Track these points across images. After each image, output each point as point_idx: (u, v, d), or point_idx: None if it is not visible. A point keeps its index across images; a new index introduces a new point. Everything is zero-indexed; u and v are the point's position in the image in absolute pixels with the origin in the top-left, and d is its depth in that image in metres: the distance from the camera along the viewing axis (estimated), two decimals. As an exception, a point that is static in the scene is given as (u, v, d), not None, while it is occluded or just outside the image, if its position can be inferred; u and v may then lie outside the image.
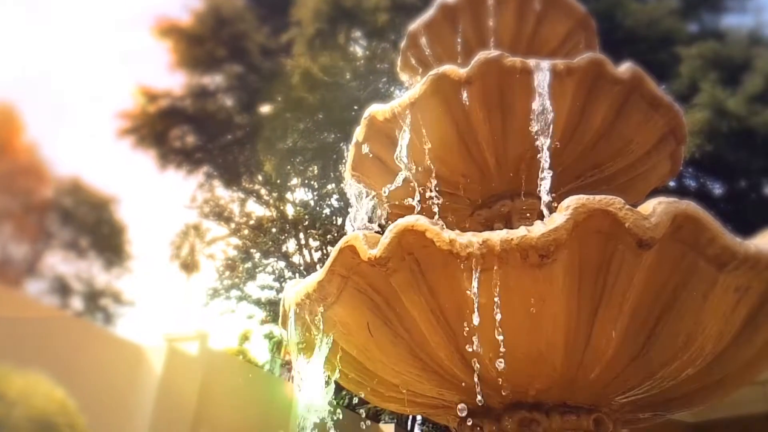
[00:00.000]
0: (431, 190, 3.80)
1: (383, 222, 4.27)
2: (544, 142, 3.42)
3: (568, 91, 3.59)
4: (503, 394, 2.91)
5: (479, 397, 2.92)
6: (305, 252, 24.96)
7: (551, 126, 3.47)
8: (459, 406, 3.22)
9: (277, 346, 23.43)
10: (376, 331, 3.02)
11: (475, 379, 2.72)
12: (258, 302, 25.55)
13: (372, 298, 2.91)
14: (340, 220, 24.44)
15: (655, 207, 2.52)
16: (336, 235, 22.60)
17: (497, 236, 2.52)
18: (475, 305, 2.54)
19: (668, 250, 2.57)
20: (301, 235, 24.99)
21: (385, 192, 4.04)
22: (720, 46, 17.82)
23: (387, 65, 20.18)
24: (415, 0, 15.44)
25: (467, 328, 2.61)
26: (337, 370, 3.26)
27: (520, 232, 2.50)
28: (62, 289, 27.53)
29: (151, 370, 11.02)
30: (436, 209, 3.72)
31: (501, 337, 2.59)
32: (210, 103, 22.11)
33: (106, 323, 27.93)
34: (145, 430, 10.51)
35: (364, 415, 19.81)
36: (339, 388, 3.30)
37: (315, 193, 25.10)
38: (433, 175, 3.85)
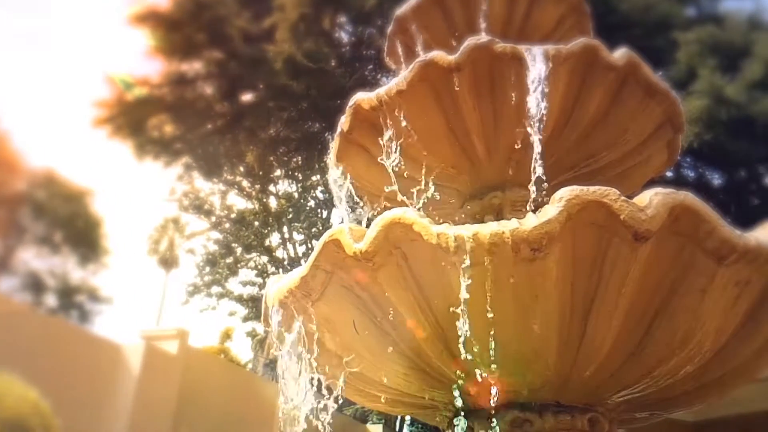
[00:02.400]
0: (419, 182, 3.79)
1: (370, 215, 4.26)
2: (536, 131, 3.41)
3: (561, 78, 3.58)
4: (494, 393, 2.91)
5: (469, 397, 2.92)
6: (289, 246, 24.98)
7: (544, 114, 3.46)
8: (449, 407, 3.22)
9: (260, 344, 23.45)
10: (362, 328, 3.01)
11: (460, 379, 2.72)
12: (240, 299, 25.57)
13: (357, 294, 2.90)
14: (325, 213, 24.48)
15: (651, 198, 2.52)
16: (321, 228, 22.63)
17: (487, 229, 2.52)
18: (465, 301, 2.53)
19: (665, 243, 2.57)
20: (285, 229, 25.01)
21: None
22: (719, 31, 17.87)
23: (374, 52, 20.17)
24: (403, -17, 15.42)
25: (456, 325, 2.60)
26: (322, 370, 3.25)
27: (512, 224, 2.50)
28: (35, 285, 27.48)
29: (128, 370, 11.01)
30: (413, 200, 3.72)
31: (491, 334, 2.59)
32: (189, 91, 22.04)
33: (81, 321, 27.93)
34: (122, 432, 10.49)
35: (351, 417, 19.84)
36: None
37: (299, 185, 25.12)
38: (421, 165, 3.85)
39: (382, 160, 3.97)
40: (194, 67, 22.21)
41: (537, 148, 3.38)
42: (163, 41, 21.36)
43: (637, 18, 18.21)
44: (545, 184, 3.25)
